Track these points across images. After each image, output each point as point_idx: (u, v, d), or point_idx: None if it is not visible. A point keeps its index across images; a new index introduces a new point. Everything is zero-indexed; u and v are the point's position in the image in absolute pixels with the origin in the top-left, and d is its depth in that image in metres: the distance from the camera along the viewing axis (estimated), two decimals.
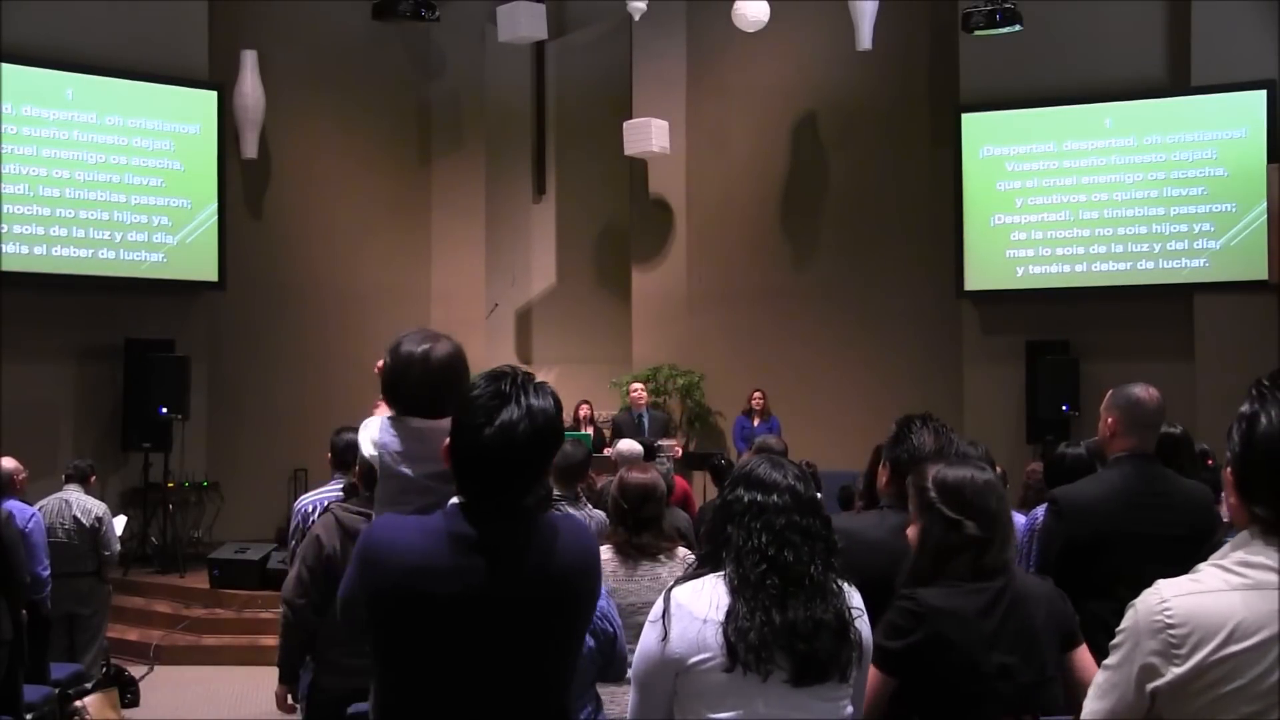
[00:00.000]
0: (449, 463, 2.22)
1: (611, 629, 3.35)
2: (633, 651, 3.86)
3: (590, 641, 3.26)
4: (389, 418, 2.82)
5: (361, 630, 2.24)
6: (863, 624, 2.40)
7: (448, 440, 2.22)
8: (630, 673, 2.43)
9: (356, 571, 2.20)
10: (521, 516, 2.20)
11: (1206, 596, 1.64)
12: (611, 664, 3.37)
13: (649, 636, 2.37)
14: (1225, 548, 1.71)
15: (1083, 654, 2.70)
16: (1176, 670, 1.62)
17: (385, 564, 2.14)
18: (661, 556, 4.10)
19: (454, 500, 2.21)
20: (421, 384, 2.78)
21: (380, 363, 2.82)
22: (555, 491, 5.12)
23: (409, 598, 2.11)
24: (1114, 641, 1.73)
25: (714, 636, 2.29)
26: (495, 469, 2.15)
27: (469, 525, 2.15)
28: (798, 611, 2.29)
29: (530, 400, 2.16)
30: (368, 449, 2.83)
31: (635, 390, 11.28)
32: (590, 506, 5.11)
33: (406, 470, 2.72)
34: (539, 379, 2.23)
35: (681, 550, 4.20)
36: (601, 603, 3.32)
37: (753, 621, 2.27)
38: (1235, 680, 1.61)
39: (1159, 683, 1.65)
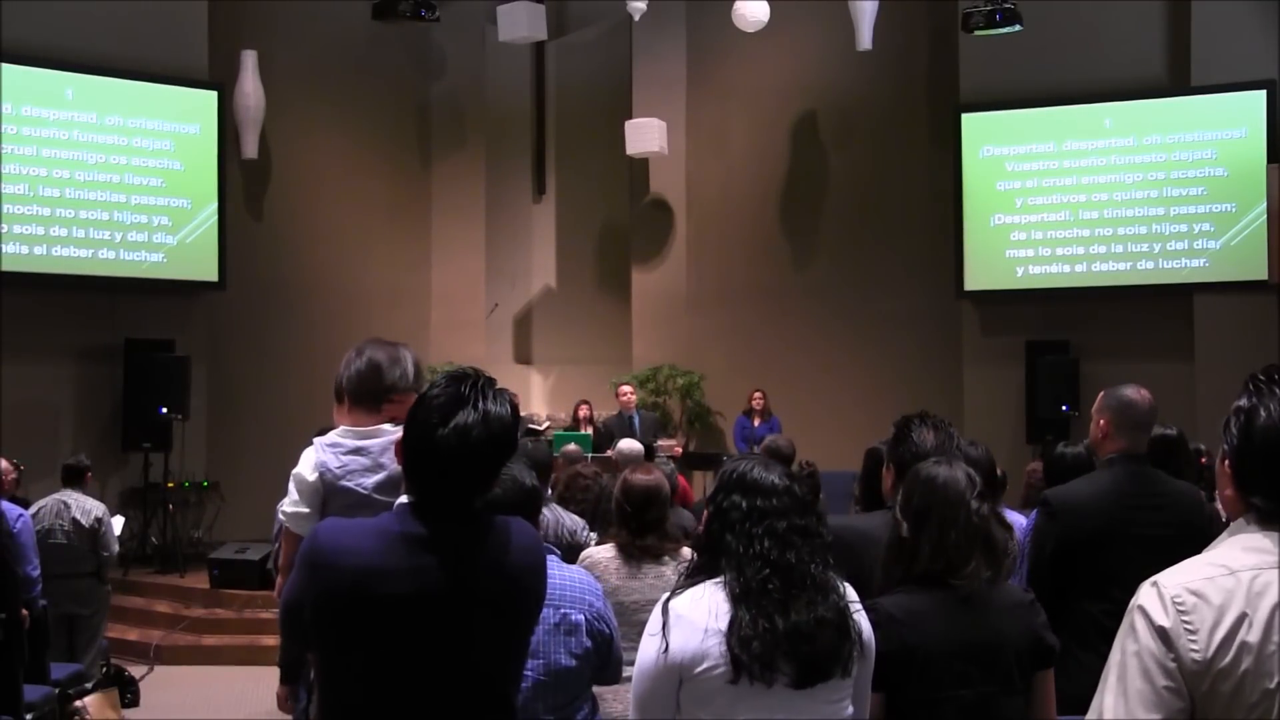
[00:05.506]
0: (400, 460, 2.22)
1: (608, 630, 3.35)
2: (632, 650, 3.88)
3: (588, 643, 3.28)
4: (333, 434, 2.82)
5: (302, 635, 2.22)
6: (861, 617, 2.38)
7: (399, 436, 2.23)
8: (630, 688, 2.40)
9: (304, 575, 2.17)
10: (471, 517, 2.20)
11: (1205, 583, 1.64)
12: (608, 665, 3.38)
13: (649, 649, 2.33)
14: (1218, 540, 1.72)
15: (1047, 679, 2.61)
16: (1196, 656, 1.61)
17: (336, 566, 2.12)
18: (666, 558, 4.09)
19: (402, 500, 2.20)
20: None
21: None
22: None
23: (362, 599, 2.10)
24: (1119, 644, 1.67)
25: (716, 645, 2.27)
26: (447, 470, 2.15)
27: (420, 525, 2.15)
28: (800, 613, 2.28)
29: (488, 405, 2.16)
30: (310, 475, 2.84)
31: (623, 393, 11.01)
32: (560, 507, 5.03)
33: (350, 485, 2.73)
34: (500, 385, 2.23)
35: (686, 552, 4.19)
36: (598, 604, 3.36)
37: (755, 630, 2.25)
38: (1245, 661, 1.60)
39: (1191, 669, 1.61)
